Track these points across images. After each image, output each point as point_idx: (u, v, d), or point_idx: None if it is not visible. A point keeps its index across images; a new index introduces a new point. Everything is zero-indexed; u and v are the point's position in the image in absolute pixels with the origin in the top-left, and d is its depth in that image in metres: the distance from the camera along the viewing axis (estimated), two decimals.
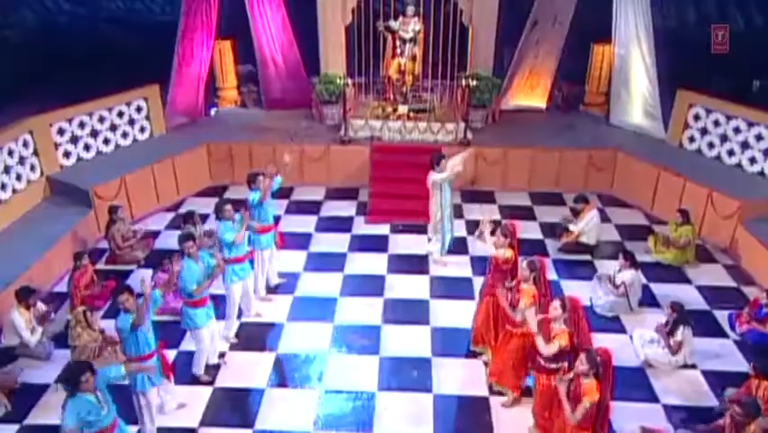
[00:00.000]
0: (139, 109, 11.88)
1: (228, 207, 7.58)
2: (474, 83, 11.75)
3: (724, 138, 11.37)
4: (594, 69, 13.73)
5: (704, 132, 11.68)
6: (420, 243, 10.21)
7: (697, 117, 11.75)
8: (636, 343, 7.95)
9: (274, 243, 8.71)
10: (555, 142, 12.30)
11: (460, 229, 10.24)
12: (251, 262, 8.18)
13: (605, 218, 11.06)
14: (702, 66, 11.83)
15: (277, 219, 8.82)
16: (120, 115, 11.64)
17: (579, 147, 12.11)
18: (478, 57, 12.76)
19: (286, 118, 13.23)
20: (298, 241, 10.25)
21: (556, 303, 5.96)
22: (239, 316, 8.26)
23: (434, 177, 9.01)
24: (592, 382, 5.24)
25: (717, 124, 11.48)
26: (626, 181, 11.92)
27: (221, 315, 7.76)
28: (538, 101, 14.12)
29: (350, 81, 11.89)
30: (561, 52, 13.53)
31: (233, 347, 7.94)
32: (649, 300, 8.99)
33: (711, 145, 11.61)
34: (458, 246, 9.70)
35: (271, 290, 9.00)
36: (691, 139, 11.91)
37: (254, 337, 8.15)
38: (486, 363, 7.45)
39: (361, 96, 12.99)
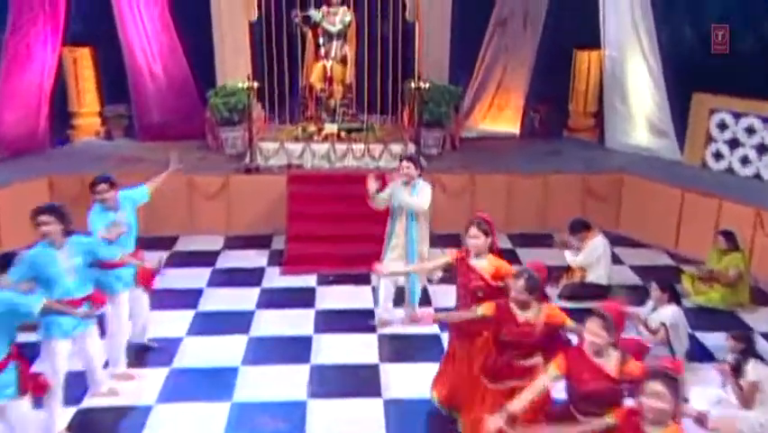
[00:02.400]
0: None
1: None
2: (426, 86, 10.87)
3: (762, 149, 10.54)
4: (579, 82, 13.24)
5: (734, 144, 10.95)
6: (361, 295, 8.98)
7: (723, 126, 11.09)
8: (699, 405, 6.46)
9: (135, 281, 6.95)
10: (537, 169, 11.33)
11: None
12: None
13: (615, 260, 9.84)
14: (710, 72, 11.26)
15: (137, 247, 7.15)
16: None
17: (570, 172, 11.25)
18: (428, 62, 12.01)
19: (168, 149, 11.72)
20: (182, 299, 8.78)
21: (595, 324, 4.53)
22: (78, 400, 6.40)
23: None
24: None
25: (750, 131, 10.77)
26: (637, 213, 10.92)
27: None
28: (509, 125, 13.52)
29: (256, 85, 10.92)
30: (535, 62, 13.02)
31: None
32: (699, 355, 7.62)
33: (745, 161, 10.86)
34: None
35: (135, 361, 7.21)
36: (717, 155, 11.22)
37: (103, 428, 6.29)
38: None
39: (274, 115, 12.17)
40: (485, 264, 5.83)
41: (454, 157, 11.95)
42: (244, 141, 11.33)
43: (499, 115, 13.31)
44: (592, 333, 4.43)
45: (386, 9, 11.93)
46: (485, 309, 5.14)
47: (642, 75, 11.98)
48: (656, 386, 3.84)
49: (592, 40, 12.54)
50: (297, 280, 9.39)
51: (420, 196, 7.70)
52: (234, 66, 11.68)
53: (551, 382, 4.61)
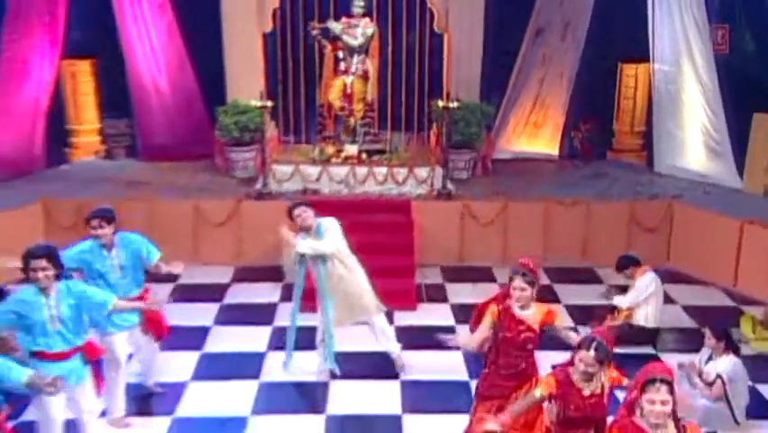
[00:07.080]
0: None
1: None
2: (455, 104, 10.86)
3: None
4: (625, 99, 13.28)
5: None
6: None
7: None
8: None
9: (142, 325, 7.04)
10: (578, 195, 11.36)
11: (446, 317, 9.46)
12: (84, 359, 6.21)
13: (666, 299, 9.72)
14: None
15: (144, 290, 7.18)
16: None
17: (615, 199, 11.30)
18: (458, 77, 12.23)
19: (174, 170, 12.20)
20: (187, 338, 8.79)
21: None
22: None
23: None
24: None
25: None
26: (690, 246, 10.87)
27: None
28: (546, 146, 13.49)
29: (270, 103, 11.08)
30: (576, 76, 13.01)
31: None
32: (760, 410, 7.58)
33: None
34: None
35: (135, 408, 7.27)
36: None
37: None
38: None
39: (289, 135, 12.43)
40: (532, 313, 5.77)
41: (486, 182, 12.01)
42: (256, 163, 11.55)
43: (536, 135, 13.29)
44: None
45: (412, 19, 12.16)
46: (544, 388, 5.04)
47: (695, 93, 11.97)
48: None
49: (640, 53, 12.55)
50: (313, 318, 9.14)
51: (327, 235, 7.56)
52: (246, 81, 11.82)
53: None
